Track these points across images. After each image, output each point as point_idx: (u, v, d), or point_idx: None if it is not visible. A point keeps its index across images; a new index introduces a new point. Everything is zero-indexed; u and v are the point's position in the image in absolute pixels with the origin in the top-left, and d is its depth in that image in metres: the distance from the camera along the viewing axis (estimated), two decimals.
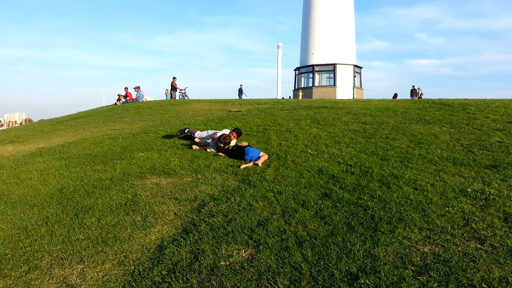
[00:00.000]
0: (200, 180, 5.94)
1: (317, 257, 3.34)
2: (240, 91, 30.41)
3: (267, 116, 11.29)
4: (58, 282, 3.38)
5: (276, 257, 3.38)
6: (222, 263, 3.38)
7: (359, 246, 3.52)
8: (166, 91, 27.78)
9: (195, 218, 4.49)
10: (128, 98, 23.97)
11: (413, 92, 29.59)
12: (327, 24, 30.68)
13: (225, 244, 3.71)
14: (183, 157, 7.49)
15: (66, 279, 3.42)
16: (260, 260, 3.33)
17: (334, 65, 30.56)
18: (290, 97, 34.22)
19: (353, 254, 3.37)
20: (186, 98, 25.42)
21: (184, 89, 26.64)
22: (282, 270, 3.16)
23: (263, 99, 19.37)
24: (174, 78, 26.28)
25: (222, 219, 4.36)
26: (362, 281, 2.98)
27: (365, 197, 4.68)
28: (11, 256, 4.02)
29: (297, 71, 33.30)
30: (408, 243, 3.59)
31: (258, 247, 3.59)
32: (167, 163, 7.13)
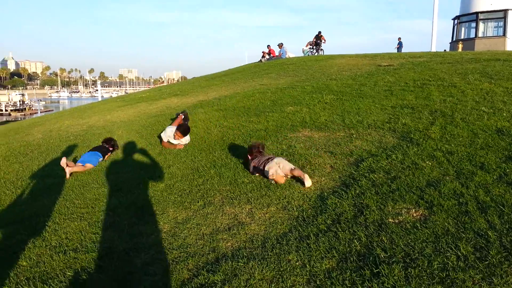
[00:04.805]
0: (354, 135, 5.72)
1: (507, 226, 2.87)
2: (401, 45, 27.98)
3: (425, 70, 10.16)
4: (230, 219, 3.68)
5: (455, 221, 3.02)
6: (390, 220, 3.19)
7: None
8: (304, 49, 27.40)
9: (354, 172, 4.35)
10: (271, 55, 24.57)
11: None
12: None
13: (391, 202, 3.49)
14: (333, 111, 7.32)
15: (237, 216, 3.71)
16: (435, 222, 3.03)
17: (505, 11, 25.45)
18: (445, 50, 30.29)
19: None
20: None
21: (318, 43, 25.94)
22: (463, 235, 2.81)
23: (417, 52, 17.56)
24: (319, 32, 25.63)
25: (383, 175, 4.11)
26: None
27: None
28: (189, 191, 4.55)
29: (456, 21, 28.95)
30: None
31: (431, 208, 3.26)
32: (317, 117, 7.07)
